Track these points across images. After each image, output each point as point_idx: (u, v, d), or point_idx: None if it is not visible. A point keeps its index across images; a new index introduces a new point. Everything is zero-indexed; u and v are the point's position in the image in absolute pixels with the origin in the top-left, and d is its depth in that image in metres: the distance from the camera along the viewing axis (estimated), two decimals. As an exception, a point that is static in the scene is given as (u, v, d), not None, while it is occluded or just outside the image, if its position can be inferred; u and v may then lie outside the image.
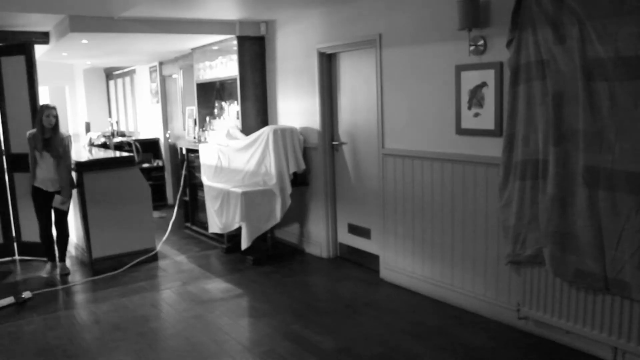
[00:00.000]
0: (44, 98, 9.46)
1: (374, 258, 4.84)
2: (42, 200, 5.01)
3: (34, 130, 4.97)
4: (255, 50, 5.82)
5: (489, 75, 3.52)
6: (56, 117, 4.90)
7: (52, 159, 4.88)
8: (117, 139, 7.78)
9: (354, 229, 5.13)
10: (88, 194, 5.07)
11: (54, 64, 8.92)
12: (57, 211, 5.02)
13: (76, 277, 5.07)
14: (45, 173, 4.91)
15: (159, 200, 8.05)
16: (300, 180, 5.42)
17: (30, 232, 5.57)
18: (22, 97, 5.50)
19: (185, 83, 7.65)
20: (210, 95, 6.69)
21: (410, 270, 4.38)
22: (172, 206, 6.93)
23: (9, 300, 4.38)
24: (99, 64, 9.35)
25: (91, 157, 5.63)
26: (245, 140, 5.48)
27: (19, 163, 5.46)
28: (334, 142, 5.24)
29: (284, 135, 5.20)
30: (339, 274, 4.92)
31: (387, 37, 4.32)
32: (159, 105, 8.49)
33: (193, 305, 4.26)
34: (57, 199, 4.92)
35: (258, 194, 5.16)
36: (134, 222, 5.33)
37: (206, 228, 5.91)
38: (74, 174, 5.16)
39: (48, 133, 4.91)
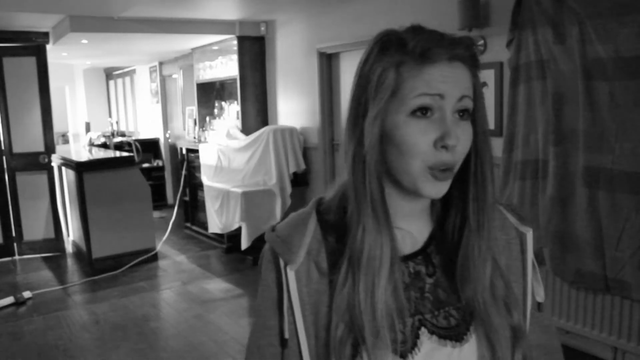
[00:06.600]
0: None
1: (374, 258, 4.83)
2: None
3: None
4: (255, 51, 5.81)
5: (489, 75, 3.51)
6: None
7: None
8: (117, 139, 7.78)
9: (354, 229, 5.12)
10: (88, 194, 5.06)
11: (53, 64, 8.85)
12: None
13: (76, 277, 5.07)
14: None
15: (159, 200, 8.04)
16: (300, 180, 5.41)
17: (31, 231, 5.60)
18: (27, 98, 5.56)
19: (185, 83, 7.65)
20: (210, 95, 6.69)
21: (410, 270, 4.36)
22: (172, 206, 6.92)
23: (9, 300, 4.38)
24: (99, 64, 9.35)
25: (91, 157, 5.64)
26: (245, 140, 5.48)
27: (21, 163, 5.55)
28: (334, 142, 5.24)
29: (284, 135, 5.20)
30: (339, 274, 4.91)
31: (387, 37, 4.31)
32: (159, 105, 8.49)
33: (193, 305, 4.26)
34: None
35: (258, 194, 5.16)
36: (134, 222, 5.33)
37: (206, 228, 5.90)
38: (72, 174, 5.12)
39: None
